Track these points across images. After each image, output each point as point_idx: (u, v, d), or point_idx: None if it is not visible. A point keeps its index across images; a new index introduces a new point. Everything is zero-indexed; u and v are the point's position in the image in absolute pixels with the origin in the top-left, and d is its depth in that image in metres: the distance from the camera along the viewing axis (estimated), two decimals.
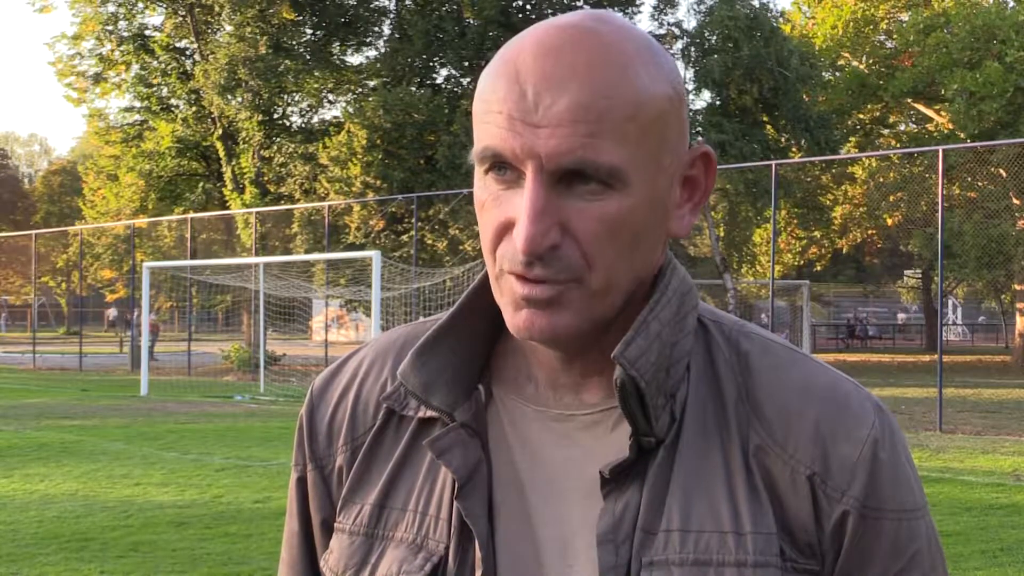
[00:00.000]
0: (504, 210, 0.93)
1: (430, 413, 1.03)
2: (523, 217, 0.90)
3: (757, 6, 30.42)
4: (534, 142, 0.90)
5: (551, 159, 0.90)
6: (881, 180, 33.37)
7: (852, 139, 35.79)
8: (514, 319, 0.94)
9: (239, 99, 29.72)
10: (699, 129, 29.73)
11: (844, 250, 40.55)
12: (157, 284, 30.38)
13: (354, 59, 32.95)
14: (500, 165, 0.93)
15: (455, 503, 0.99)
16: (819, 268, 41.38)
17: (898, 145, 35.45)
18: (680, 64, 31.87)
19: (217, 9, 30.07)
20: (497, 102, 0.92)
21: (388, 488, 1.04)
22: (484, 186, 0.95)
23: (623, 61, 0.92)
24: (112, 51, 32.70)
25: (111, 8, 32.30)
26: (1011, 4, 31.68)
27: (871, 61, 34.60)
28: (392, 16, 31.55)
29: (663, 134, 0.94)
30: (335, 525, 1.07)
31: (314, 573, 1.12)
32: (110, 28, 32.40)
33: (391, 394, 1.07)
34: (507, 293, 0.95)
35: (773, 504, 0.96)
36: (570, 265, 0.92)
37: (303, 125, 32.29)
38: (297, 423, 1.13)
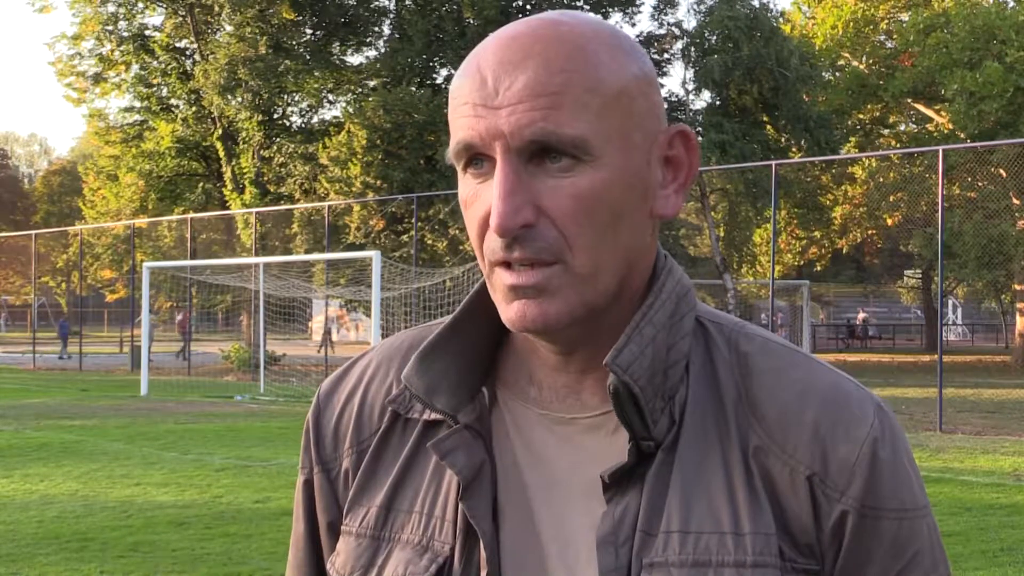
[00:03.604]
0: (483, 202, 0.95)
1: (435, 416, 1.04)
2: (495, 199, 0.92)
3: (757, 6, 30.38)
4: (497, 123, 0.92)
5: (514, 135, 0.92)
6: (881, 180, 33.36)
7: (852, 139, 35.76)
8: (507, 312, 0.95)
9: (239, 99, 29.71)
10: (699, 129, 29.72)
11: (844, 250, 40.52)
12: (157, 284, 30.36)
13: (354, 59, 32.98)
14: (475, 158, 0.95)
15: (460, 504, 1.00)
16: (819, 268, 41.34)
17: (898, 145, 35.42)
18: (680, 64, 31.88)
19: (217, 9, 30.06)
20: (463, 96, 0.95)
21: (394, 490, 1.05)
22: (465, 185, 0.97)
23: (581, 42, 0.94)
24: (112, 51, 32.67)
25: (111, 8, 32.29)
26: (1011, 4, 31.66)
27: (871, 61, 34.59)
28: (392, 16, 31.55)
29: (629, 109, 0.95)
30: (342, 527, 1.08)
31: (321, 575, 1.13)
32: (110, 28, 32.38)
33: (396, 397, 1.08)
34: (499, 288, 0.96)
35: (772, 504, 0.96)
36: (549, 244, 0.93)
37: (303, 125, 32.29)
38: (304, 426, 1.15)
